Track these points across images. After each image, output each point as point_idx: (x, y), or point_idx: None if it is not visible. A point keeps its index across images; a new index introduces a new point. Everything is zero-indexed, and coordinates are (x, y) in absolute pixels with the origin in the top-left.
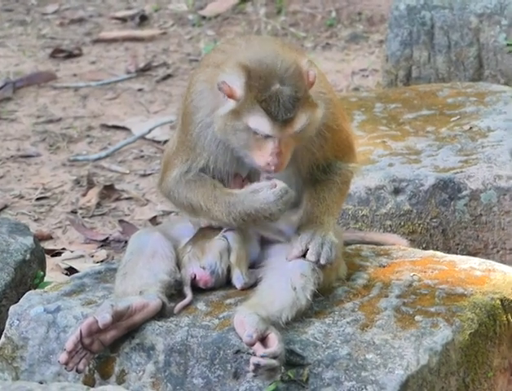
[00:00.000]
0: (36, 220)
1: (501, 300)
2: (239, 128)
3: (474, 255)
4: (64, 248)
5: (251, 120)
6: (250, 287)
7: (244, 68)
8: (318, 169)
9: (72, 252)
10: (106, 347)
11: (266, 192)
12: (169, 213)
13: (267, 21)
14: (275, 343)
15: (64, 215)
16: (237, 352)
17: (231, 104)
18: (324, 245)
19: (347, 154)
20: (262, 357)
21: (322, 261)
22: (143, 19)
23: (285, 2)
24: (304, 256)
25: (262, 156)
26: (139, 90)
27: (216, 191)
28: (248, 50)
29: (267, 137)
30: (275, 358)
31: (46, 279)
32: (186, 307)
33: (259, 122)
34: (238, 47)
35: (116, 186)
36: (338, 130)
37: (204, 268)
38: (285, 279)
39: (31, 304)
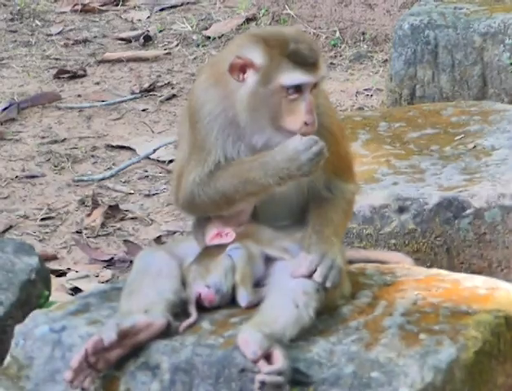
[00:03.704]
0: (41, 240)
1: (505, 319)
2: (269, 95)
3: (479, 273)
4: (68, 268)
5: (283, 77)
6: (255, 305)
7: (258, 37)
8: (319, 184)
9: (77, 272)
10: (111, 365)
11: (294, 142)
12: (173, 232)
13: None
14: (279, 359)
15: (68, 235)
16: (242, 370)
17: (255, 75)
18: (332, 269)
19: (346, 173)
20: (267, 374)
21: (328, 284)
22: (148, 40)
23: (290, 22)
24: (310, 275)
25: (298, 118)
26: (144, 110)
27: (244, 163)
28: (245, 33)
29: (300, 94)
30: (280, 374)
31: (51, 299)
32: (191, 326)
33: (291, 75)
34: (231, 42)
35: (121, 206)
36: (336, 137)
37: (209, 287)
38: (288, 297)
39: (36, 323)
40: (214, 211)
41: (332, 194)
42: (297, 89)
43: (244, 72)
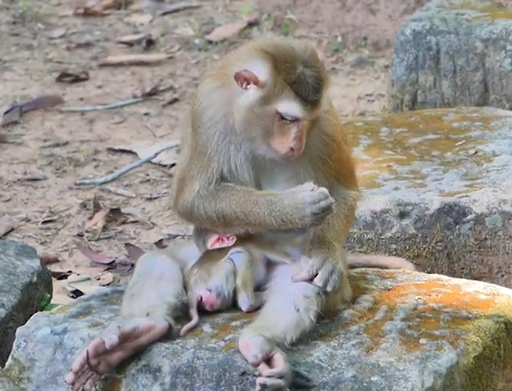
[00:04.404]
0: (42, 243)
1: (506, 324)
2: (264, 114)
3: (479, 279)
4: (70, 271)
5: (281, 105)
6: (256, 309)
7: (267, 53)
8: None
9: (78, 275)
10: (112, 368)
11: (304, 193)
12: (175, 236)
13: None
14: (280, 363)
15: (70, 238)
16: (243, 374)
17: (256, 91)
18: (333, 273)
19: (348, 179)
20: (268, 377)
21: (329, 289)
22: (150, 44)
23: (291, 27)
24: (311, 279)
25: (285, 142)
26: (146, 114)
27: (252, 194)
28: (259, 42)
29: (293, 121)
30: (281, 377)
31: (52, 302)
32: (192, 329)
33: (289, 106)
34: (243, 47)
35: (123, 210)
36: (338, 144)
37: (210, 290)
38: (289, 301)
39: (38, 326)
40: (209, 226)
41: (334, 199)
42: (292, 118)
43: (248, 83)
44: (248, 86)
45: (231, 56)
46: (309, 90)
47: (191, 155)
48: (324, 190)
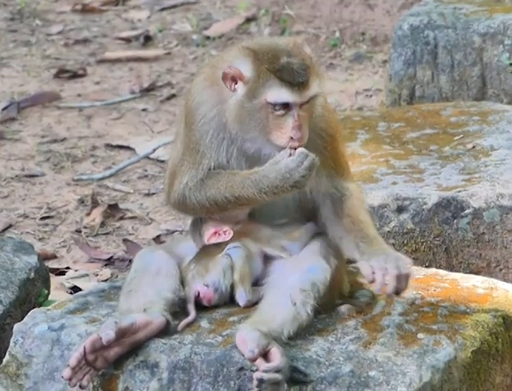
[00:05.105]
0: (40, 239)
1: (503, 318)
2: (256, 109)
3: (477, 273)
4: (68, 267)
5: (269, 94)
6: (253, 304)
7: (249, 49)
8: (322, 186)
9: (76, 271)
10: (110, 364)
11: (285, 160)
12: (173, 231)
13: None
14: (277, 357)
15: (68, 234)
16: (240, 369)
17: (242, 87)
18: (399, 260)
19: (346, 171)
20: (265, 371)
21: (403, 285)
22: (148, 40)
23: (289, 22)
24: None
25: (284, 134)
26: (144, 109)
27: (237, 176)
28: (246, 42)
29: (286, 110)
30: (278, 372)
31: (50, 298)
32: (189, 325)
33: (277, 93)
34: (233, 46)
35: (121, 206)
36: (334, 138)
37: (207, 285)
38: (286, 295)
39: (35, 322)
40: (205, 214)
41: (339, 193)
42: (284, 106)
43: (235, 83)
44: (235, 86)
45: (220, 58)
46: (294, 74)
47: (183, 151)
48: (302, 149)
